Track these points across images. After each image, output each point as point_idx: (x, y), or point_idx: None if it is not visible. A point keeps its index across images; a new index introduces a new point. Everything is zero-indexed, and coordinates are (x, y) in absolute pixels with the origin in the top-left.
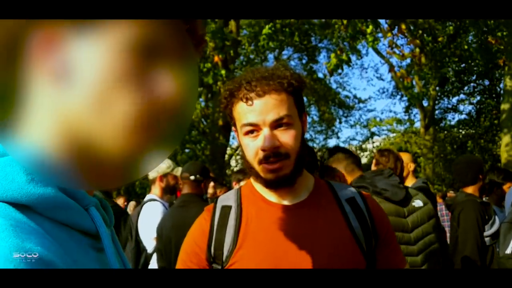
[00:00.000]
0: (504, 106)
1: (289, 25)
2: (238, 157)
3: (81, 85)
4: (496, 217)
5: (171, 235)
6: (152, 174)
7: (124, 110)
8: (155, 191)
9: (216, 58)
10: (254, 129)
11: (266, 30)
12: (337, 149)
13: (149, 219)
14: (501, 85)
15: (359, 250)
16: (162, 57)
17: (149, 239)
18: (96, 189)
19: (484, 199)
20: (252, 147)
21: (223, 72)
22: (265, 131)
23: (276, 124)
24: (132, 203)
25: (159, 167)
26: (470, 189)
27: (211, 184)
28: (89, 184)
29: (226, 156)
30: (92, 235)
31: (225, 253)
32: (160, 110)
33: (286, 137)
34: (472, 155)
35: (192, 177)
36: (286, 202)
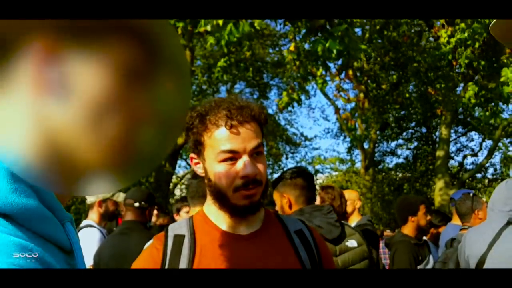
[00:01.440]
0: (439, 153)
1: (244, 60)
2: (183, 186)
3: (73, 100)
4: (431, 257)
5: (110, 264)
6: (90, 199)
7: (111, 129)
8: (93, 216)
9: None
10: (232, 156)
11: (221, 63)
12: (303, 173)
13: (85, 246)
14: (437, 133)
15: None
16: (144, 81)
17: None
18: (70, 193)
19: (424, 238)
20: (229, 174)
21: None
22: (245, 158)
23: (253, 152)
24: None
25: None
26: (406, 229)
27: (155, 212)
28: (66, 188)
29: (171, 184)
30: (66, 250)
31: None
32: (138, 134)
33: (260, 165)
34: (408, 196)
35: (136, 204)
36: (240, 232)
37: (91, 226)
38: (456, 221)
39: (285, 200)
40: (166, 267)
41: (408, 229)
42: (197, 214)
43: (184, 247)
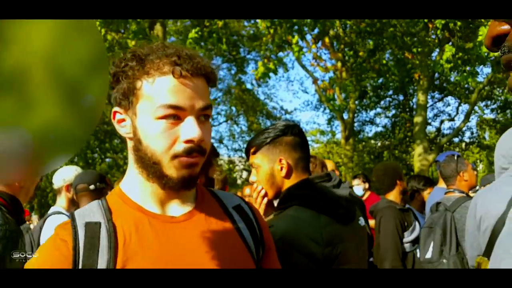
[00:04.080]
0: (417, 119)
1: (216, 31)
2: None
3: None
4: (417, 223)
5: None
6: (57, 183)
7: None
8: (61, 202)
9: None
10: (176, 114)
11: (192, 34)
12: (299, 128)
13: None
14: (414, 100)
15: (252, 261)
16: None
17: None
18: None
19: (407, 205)
20: (168, 135)
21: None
22: (192, 119)
23: (201, 114)
24: (35, 217)
25: (66, 175)
26: (391, 195)
27: None
28: None
29: None
30: None
31: None
32: None
33: (206, 131)
34: (389, 162)
35: (92, 186)
36: (172, 213)
37: (59, 213)
38: (441, 184)
39: (279, 166)
40: (81, 264)
41: (393, 195)
42: (111, 194)
43: (102, 238)
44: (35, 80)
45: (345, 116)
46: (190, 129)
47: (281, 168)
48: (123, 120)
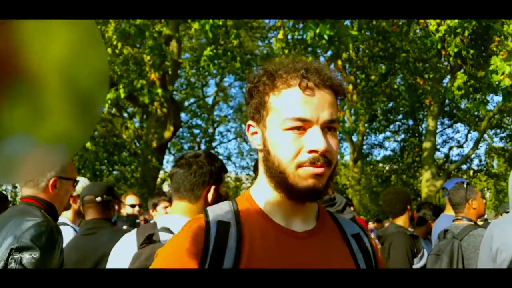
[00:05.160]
0: (426, 145)
1: (231, 49)
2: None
3: None
4: (425, 251)
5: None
6: None
7: None
8: (67, 213)
9: (152, 76)
10: (302, 125)
11: (207, 52)
12: None
13: None
14: (424, 125)
15: None
16: None
17: None
18: None
19: (411, 230)
20: (294, 145)
21: (159, 91)
22: (317, 130)
23: (326, 126)
24: None
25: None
26: (400, 221)
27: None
28: None
29: (159, 180)
30: None
31: None
32: None
33: (333, 143)
34: (400, 187)
35: (98, 199)
36: (295, 228)
37: (64, 224)
38: (449, 211)
39: None
40: (208, 260)
41: (403, 220)
42: (241, 197)
43: (230, 239)
44: (50, 89)
45: (355, 138)
46: (314, 139)
47: None
48: (256, 132)
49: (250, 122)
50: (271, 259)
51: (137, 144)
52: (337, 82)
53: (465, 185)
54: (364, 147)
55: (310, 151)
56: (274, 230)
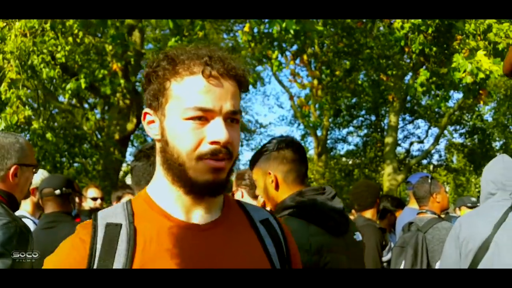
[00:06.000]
0: (388, 140)
1: (196, 41)
2: None
3: None
4: (392, 243)
5: (34, 265)
6: None
7: None
8: (26, 206)
9: (114, 66)
10: (203, 115)
11: (171, 42)
12: (292, 143)
13: None
14: (386, 121)
15: None
16: None
17: None
18: None
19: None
20: (195, 136)
21: (122, 81)
22: (219, 121)
23: (229, 117)
24: None
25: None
26: (368, 213)
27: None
28: None
29: (121, 173)
30: None
31: None
32: None
33: (235, 135)
34: (370, 181)
35: (57, 191)
36: (196, 221)
37: (24, 217)
38: (412, 204)
39: (270, 179)
40: (95, 266)
41: (371, 213)
42: (137, 197)
43: (121, 241)
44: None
45: (319, 133)
46: (216, 130)
47: (272, 181)
48: (153, 121)
49: (147, 110)
50: (167, 256)
51: (99, 136)
52: (241, 73)
53: (429, 179)
54: (328, 141)
55: (212, 142)
56: (174, 227)
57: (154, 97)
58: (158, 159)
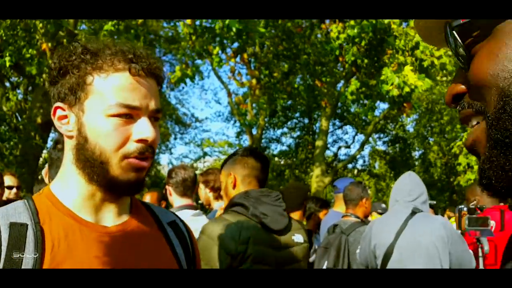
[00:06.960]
0: (318, 143)
1: (134, 27)
2: None
3: None
4: (315, 245)
5: None
6: None
7: None
8: None
9: (44, 46)
10: (129, 113)
11: (108, 26)
12: (257, 153)
13: None
14: (318, 125)
15: None
16: None
17: None
18: None
19: None
20: (121, 134)
21: (50, 62)
22: (145, 119)
23: (153, 116)
24: None
25: None
26: (296, 215)
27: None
28: None
29: (41, 159)
30: None
31: None
32: None
33: (158, 134)
34: (299, 183)
35: None
36: (104, 223)
37: None
38: (337, 207)
39: (230, 179)
40: (1, 266)
41: (299, 215)
42: (40, 196)
43: (28, 243)
44: None
45: (254, 131)
46: (143, 128)
47: (231, 182)
48: (65, 116)
49: (59, 104)
50: (78, 258)
51: (19, 118)
52: (161, 72)
53: (362, 185)
54: (263, 140)
55: (139, 141)
56: (81, 228)
57: (71, 91)
58: (70, 156)
